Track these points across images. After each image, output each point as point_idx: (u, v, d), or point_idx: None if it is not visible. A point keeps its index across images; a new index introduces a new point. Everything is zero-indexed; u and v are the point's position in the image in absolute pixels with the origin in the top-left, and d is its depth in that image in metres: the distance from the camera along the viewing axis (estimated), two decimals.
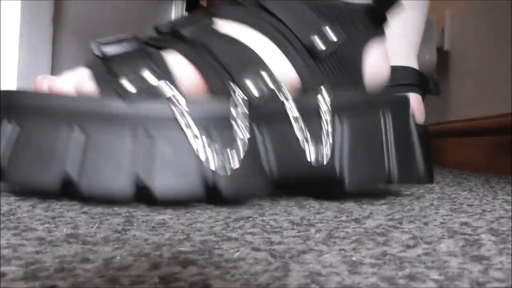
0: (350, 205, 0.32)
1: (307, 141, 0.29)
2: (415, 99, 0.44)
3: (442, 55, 0.95)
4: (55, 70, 0.82)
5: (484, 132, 0.74)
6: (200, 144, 0.27)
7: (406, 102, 0.33)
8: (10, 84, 0.70)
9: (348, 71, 0.31)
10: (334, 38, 0.30)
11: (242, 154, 0.28)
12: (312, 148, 0.30)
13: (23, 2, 0.71)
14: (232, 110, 0.28)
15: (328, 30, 0.30)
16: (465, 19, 0.88)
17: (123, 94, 0.27)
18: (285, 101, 0.29)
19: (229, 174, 0.28)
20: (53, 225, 0.22)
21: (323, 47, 0.30)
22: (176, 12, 1.65)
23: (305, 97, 0.30)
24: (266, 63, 0.29)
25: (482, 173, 0.69)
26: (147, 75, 0.28)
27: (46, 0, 0.78)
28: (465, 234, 0.23)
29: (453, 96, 0.90)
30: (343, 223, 0.25)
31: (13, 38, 0.70)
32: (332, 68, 0.31)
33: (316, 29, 0.30)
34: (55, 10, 0.81)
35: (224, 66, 0.28)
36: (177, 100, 0.27)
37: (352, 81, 0.31)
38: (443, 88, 0.96)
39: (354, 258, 0.18)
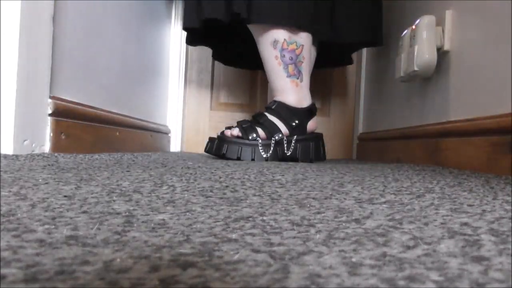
0: (350, 205, 0.32)
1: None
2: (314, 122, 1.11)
3: (442, 55, 0.95)
4: (55, 70, 0.82)
5: (484, 132, 0.74)
6: None
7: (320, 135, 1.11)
8: (10, 84, 0.70)
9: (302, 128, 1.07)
10: (297, 121, 1.06)
11: None
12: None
13: (23, 2, 0.71)
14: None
15: (296, 121, 1.06)
16: (465, 19, 0.88)
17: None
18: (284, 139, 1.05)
19: None
20: (53, 226, 0.22)
21: (294, 124, 1.06)
22: (176, 12, 1.65)
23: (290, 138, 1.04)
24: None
25: (482, 173, 0.69)
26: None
27: (46, 0, 0.78)
28: (465, 234, 0.23)
29: (453, 96, 0.90)
30: (343, 224, 0.25)
31: (13, 38, 0.70)
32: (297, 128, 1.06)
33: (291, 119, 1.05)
34: (55, 10, 0.81)
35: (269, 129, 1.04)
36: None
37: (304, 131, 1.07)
38: (443, 88, 0.96)
39: (354, 259, 0.18)
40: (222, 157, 1.01)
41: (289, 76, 1.05)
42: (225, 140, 1.03)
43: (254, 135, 1.03)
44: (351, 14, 1.11)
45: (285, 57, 1.04)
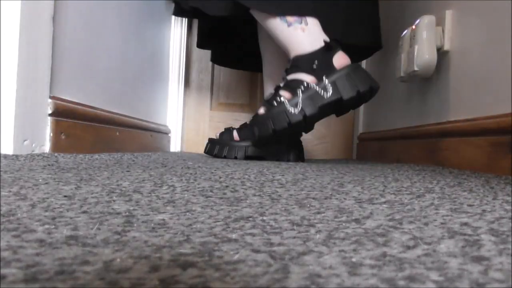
0: (350, 205, 0.32)
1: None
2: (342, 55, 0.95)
3: (442, 55, 0.95)
4: (55, 70, 0.82)
5: (484, 132, 0.74)
6: None
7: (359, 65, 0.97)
8: (10, 83, 0.70)
9: (328, 67, 0.92)
10: (316, 62, 0.91)
11: None
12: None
13: (23, 2, 0.71)
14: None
15: (316, 62, 0.92)
16: (465, 19, 0.88)
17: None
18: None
19: None
20: (53, 226, 0.22)
21: (314, 66, 0.92)
22: None
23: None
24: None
25: (482, 173, 0.69)
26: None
27: (46, 0, 0.78)
28: (465, 234, 0.23)
29: (453, 96, 0.90)
30: (343, 224, 0.25)
31: (13, 38, 0.70)
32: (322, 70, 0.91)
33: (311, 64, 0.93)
34: (55, 10, 0.81)
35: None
36: None
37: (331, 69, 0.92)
38: (443, 88, 0.96)
39: (354, 259, 0.18)
40: (260, 140, 0.92)
41: (290, 25, 0.94)
42: (255, 121, 0.94)
43: (278, 98, 0.92)
44: (351, 14, 1.05)
45: None
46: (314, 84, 0.90)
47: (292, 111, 0.88)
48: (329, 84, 0.89)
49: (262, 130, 0.90)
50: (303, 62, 0.93)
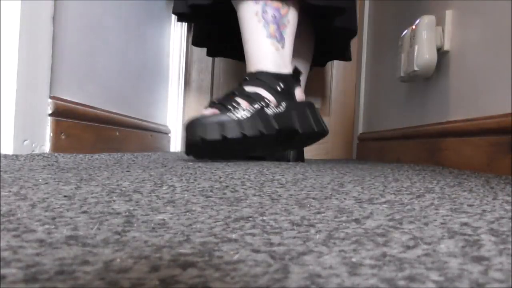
0: (350, 205, 0.32)
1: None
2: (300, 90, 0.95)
3: (442, 55, 0.95)
4: (55, 70, 0.82)
5: (484, 132, 0.74)
6: None
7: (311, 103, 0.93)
8: (10, 84, 0.70)
9: (290, 95, 0.89)
10: (282, 84, 0.87)
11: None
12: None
13: (23, 2, 0.71)
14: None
15: (281, 84, 0.87)
16: (465, 19, 0.88)
17: None
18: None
19: None
20: (53, 226, 0.22)
21: (279, 88, 0.87)
22: None
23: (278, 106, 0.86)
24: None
25: (482, 173, 0.69)
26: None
27: (46, 0, 0.78)
28: (465, 234, 0.23)
29: (453, 96, 0.90)
30: (343, 224, 0.25)
31: (13, 38, 0.70)
32: (284, 95, 0.87)
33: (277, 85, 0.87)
34: (55, 10, 0.81)
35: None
36: None
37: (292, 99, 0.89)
38: (443, 88, 0.96)
39: (354, 259, 0.18)
40: (203, 142, 0.78)
41: (269, 36, 0.87)
42: (198, 123, 0.80)
43: (234, 104, 0.82)
44: (350, 4, 1.01)
45: (267, 13, 0.87)
46: (274, 106, 0.85)
47: (246, 124, 0.80)
48: (288, 112, 0.86)
49: (209, 133, 0.78)
50: (268, 79, 0.87)
